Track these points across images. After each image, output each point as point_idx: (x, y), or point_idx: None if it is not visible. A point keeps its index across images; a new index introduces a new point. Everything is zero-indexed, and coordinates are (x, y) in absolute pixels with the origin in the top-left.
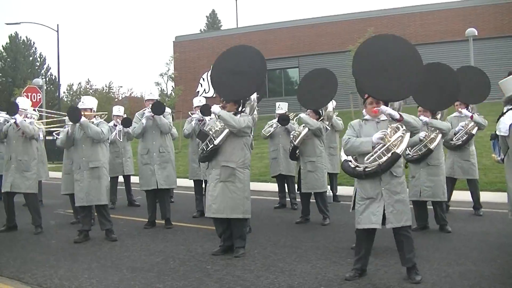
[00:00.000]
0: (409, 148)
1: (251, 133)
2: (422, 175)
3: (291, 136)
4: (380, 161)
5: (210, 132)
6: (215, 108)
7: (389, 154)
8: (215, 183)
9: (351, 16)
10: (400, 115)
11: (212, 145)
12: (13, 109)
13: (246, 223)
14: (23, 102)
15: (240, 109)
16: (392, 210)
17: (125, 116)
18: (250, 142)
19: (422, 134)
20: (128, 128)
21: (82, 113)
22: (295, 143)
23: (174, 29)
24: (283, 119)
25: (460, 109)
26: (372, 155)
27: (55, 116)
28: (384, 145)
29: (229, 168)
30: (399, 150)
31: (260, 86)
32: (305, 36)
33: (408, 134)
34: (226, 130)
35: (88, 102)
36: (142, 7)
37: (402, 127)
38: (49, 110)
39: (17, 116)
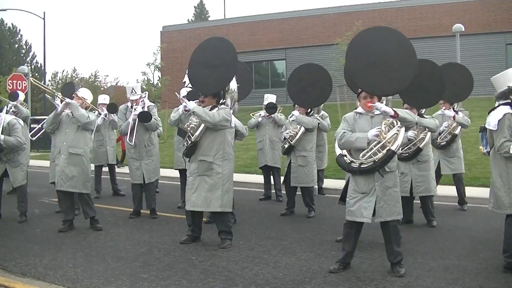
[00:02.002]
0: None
1: (231, 124)
2: (413, 172)
3: (286, 135)
4: (376, 158)
5: (188, 128)
6: (190, 104)
7: (384, 151)
8: (194, 177)
9: (339, 10)
10: (395, 111)
11: (190, 141)
12: (13, 97)
13: (227, 217)
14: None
15: (221, 101)
16: (383, 205)
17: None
18: (233, 133)
19: (411, 134)
20: (113, 115)
21: (74, 96)
22: (292, 142)
23: (162, 19)
24: (271, 107)
25: (443, 108)
26: (368, 152)
27: (45, 89)
28: (379, 142)
29: (206, 162)
30: (394, 147)
31: (231, 77)
32: (293, 29)
33: (403, 130)
34: (202, 126)
35: (83, 93)
36: None
37: (397, 123)
38: (39, 82)
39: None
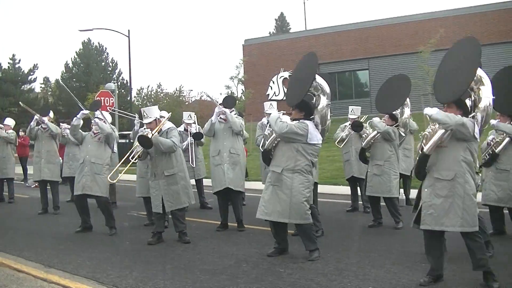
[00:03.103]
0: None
1: (307, 140)
2: (488, 179)
3: (362, 138)
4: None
5: (267, 136)
6: (273, 112)
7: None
8: (267, 186)
9: (422, 17)
10: (429, 110)
11: (263, 149)
12: (96, 106)
13: (307, 227)
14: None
15: (310, 116)
16: (432, 212)
17: (195, 122)
18: (311, 149)
19: (490, 138)
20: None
21: (148, 128)
22: (363, 144)
23: (244, 32)
24: (357, 126)
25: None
26: None
27: (127, 116)
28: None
29: (275, 172)
30: (424, 149)
31: (304, 93)
32: (375, 38)
33: (439, 132)
34: (273, 135)
35: (151, 113)
36: (212, 11)
37: (434, 125)
38: (120, 111)
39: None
